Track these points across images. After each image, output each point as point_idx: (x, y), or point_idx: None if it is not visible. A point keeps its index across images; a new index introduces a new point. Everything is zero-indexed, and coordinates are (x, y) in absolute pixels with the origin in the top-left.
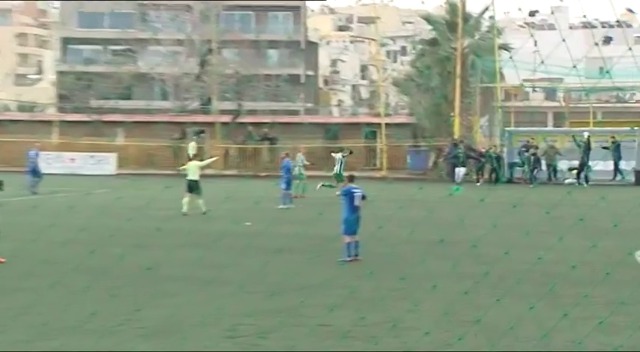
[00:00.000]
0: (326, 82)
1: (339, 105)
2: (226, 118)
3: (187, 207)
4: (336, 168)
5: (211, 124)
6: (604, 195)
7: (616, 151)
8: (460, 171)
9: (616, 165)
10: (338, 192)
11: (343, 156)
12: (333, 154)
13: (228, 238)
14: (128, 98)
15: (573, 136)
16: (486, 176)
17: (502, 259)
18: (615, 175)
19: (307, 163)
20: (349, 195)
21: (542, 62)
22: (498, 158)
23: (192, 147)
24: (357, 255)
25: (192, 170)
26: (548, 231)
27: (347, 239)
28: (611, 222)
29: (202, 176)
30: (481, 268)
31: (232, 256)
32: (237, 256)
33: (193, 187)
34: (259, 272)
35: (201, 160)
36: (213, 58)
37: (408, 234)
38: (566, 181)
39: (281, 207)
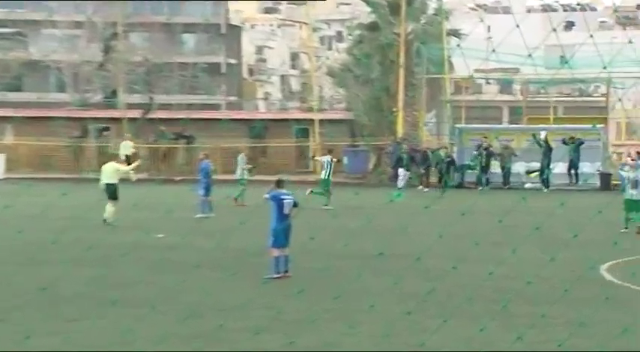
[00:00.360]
0: (251, 72)
1: (265, 98)
2: (135, 113)
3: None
4: (324, 173)
5: (117, 120)
6: (564, 201)
7: (575, 151)
8: (404, 174)
9: (575, 167)
10: (266, 195)
11: (331, 160)
12: (317, 158)
13: (138, 252)
14: (18, 90)
15: (534, 135)
16: (434, 180)
17: (449, 274)
18: (577, 179)
19: (249, 166)
20: (278, 203)
21: (494, 50)
22: (451, 160)
23: (125, 147)
24: (286, 271)
25: (108, 173)
26: (500, 241)
27: (275, 252)
28: (571, 231)
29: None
30: (426, 284)
31: (142, 272)
32: (148, 272)
33: (109, 192)
34: (173, 291)
35: (130, 163)
36: (119, 43)
37: (344, 246)
38: (526, 186)
39: (199, 215)
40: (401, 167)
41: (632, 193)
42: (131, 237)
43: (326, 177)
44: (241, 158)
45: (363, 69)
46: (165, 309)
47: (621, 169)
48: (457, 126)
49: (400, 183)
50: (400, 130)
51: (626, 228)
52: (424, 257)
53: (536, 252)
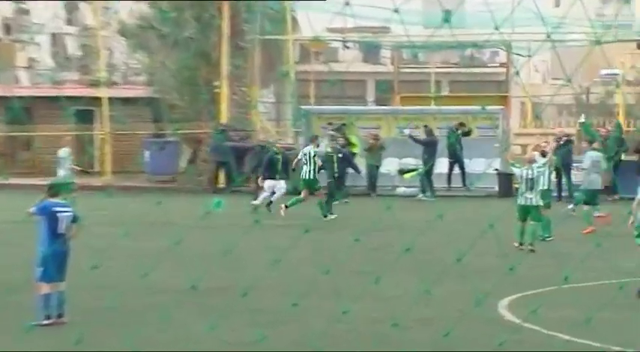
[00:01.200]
0: (6, 29)
1: (29, 67)
2: None
3: None
4: (306, 171)
5: None
6: (447, 210)
7: (457, 144)
8: (277, 186)
9: (460, 164)
10: (32, 208)
11: (313, 153)
12: (297, 158)
13: None
14: None
15: (425, 125)
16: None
17: (288, 314)
18: (464, 181)
19: (77, 167)
20: (50, 217)
21: (348, 3)
22: (345, 158)
23: None
24: (60, 315)
25: None
26: (360, 268)
27: (45, 288)
28: (455, 253)
29: None
30: (256, 329)
31: None
32: None
33: None
34: None
35: None
36: None
37: (142, 277)
38: (399, 191)
39: None
40: (272, 176)
41: (526, 197)
42: None
43: (307, 176)
44: (65, 153)
45: (172, 26)
46: None
47: (513, 165)
48: (304, 107)
49: (268, 196)
50: (224, 113)
51: (521, 243)
52: (254, 292)
53: (409, 281)
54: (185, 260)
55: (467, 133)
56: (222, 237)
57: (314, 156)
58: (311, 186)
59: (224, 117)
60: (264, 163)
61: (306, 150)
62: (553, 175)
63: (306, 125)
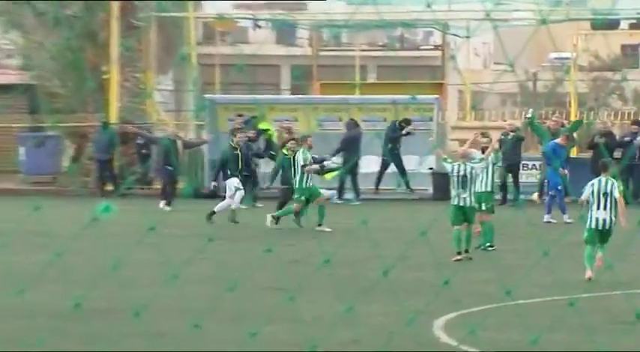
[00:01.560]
0: None
1: None
2: None
3: None
4: (297, 179)
5: None
6: (372, 215)
7: (397, 142)
8: (231, 185)
9: (398, 165)
10: None
11: (306, 158)
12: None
13: None
14: None
15: (351, 119)
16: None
17: (188, 338)
18: (405, 181)
19: None
20: None
21: None
22: None
23: None
24: None
25: None
26: (270, 285)
27: None
28: (380, 266)
29: None
30: None
31: None
32: None
33: None
34: None
35: None
36: None
37: (16, 295)
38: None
39: None
40: (231, 174)
41: (460, 197)
42: None
43: (301, 185)
44: None
45: (52, 3)
46: None
47: (444, 160)
48: (207, 96)
49: (235, 202)
50: (114, 103)
51: (459, 254)
52: (148, 312)
53: (329, 299)
54: (68, 276)
55: (405, 125)
56: (112, 249)
57: (304, 163)
58: (300, 193)
59: (114, 108)
60: (219, 161)
61: (298, 154)
62: (497, 175)
63: (210, 117)
